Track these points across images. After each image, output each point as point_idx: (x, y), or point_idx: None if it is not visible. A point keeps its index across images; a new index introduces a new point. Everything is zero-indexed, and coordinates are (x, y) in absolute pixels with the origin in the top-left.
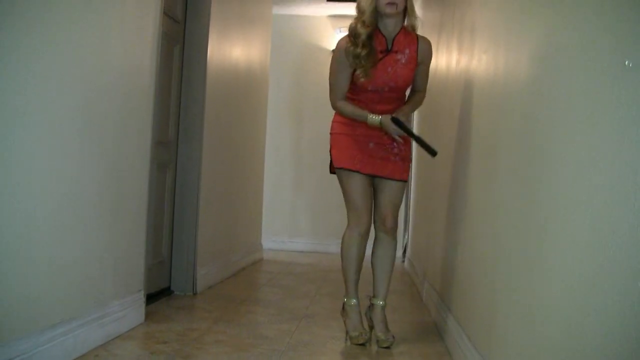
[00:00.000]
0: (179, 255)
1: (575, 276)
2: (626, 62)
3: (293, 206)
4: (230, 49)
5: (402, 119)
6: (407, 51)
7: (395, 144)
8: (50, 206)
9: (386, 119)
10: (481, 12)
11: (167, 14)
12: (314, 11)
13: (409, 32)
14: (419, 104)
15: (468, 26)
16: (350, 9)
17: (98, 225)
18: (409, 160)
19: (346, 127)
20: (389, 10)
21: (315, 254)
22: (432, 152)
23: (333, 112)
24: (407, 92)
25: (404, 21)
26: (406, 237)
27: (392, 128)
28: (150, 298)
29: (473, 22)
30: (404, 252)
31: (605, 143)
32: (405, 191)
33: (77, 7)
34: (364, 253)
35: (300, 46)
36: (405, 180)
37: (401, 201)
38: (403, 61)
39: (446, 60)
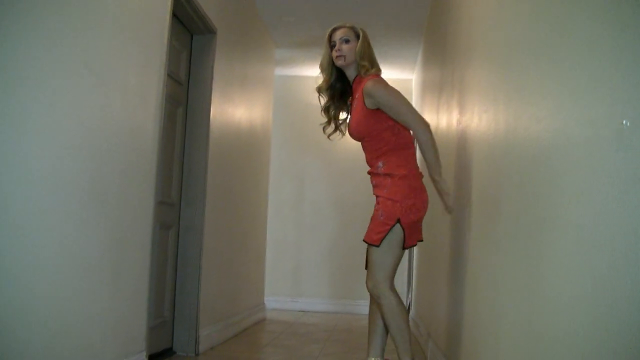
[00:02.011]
0: (181, 315)
1: (579, 334)
2: (624, 122)
3: (296, 266)
4: (233, 110)
5: (436, 178)
6: (357, 96)
7: (377, 204)
8: (50, 267)
9: None
10: (480, 72)
11: (171, 76)
12: (315, 72)
13: (363, 77)
14: (426, 145)
15: (467, 85)
16: None
17: (100, 285)
18: (379, 221)
19: None
20: (339, 62)
21: (319, 314)
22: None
23: (334, 171)
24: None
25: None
26: (410, 296)
27: None
28: (152, 359)
29: (472, 82)
30: (408, 310)
31: (606, 204)
32: (391, 252)
33: (79, 71)
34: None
35: (302, 106)
36: (369, 243)
37: (377, 263)
38: (354, 106)
39: (447, 119)
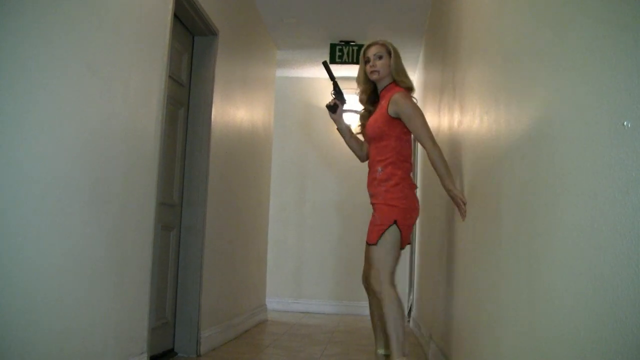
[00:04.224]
0: (182, 316)
1: (580, 334)
2: (624, 123)
3: (297, 267)
4: (234, 111)
5: (449, 188)
6: (382, 103)
7: (374, 211)
8: (52, 268)
9: None
10: (481, 74)
11: (173, 77)
12: (316, 73)
13: (394, 87)
14: (436, 159)
15: (468, 87)
16: (351, 71)
17: (101, 286)
18: (376, 223)
19: None
20: (373, 77)
21: (320, 315)
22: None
23: (335, 173)
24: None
25: (393, 79)
26: (411, 297)
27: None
28: None
29: (473, 83)
30: (409, 311)
31: (606, 205)
32: (390, 250)
33: (82, 72)
34: (376, 307)
35: (303, 107)
36: (369, 243)
37: (379, 261)
38: (377, 110)
39: (448, 121)
